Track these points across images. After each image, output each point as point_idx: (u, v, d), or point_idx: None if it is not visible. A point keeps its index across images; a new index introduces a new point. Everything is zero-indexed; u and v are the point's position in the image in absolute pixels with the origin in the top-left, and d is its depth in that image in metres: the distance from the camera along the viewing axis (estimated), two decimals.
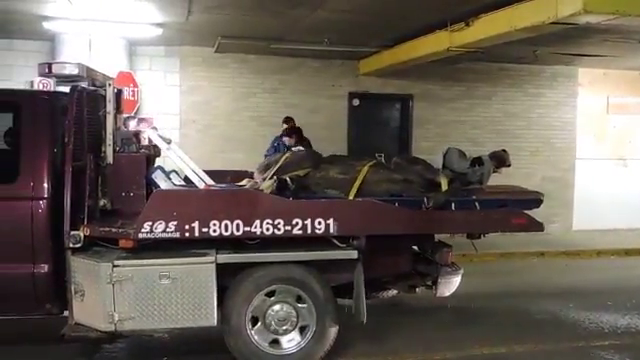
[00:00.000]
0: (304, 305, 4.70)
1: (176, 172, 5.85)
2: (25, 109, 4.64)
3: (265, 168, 5.68)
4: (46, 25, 8.02)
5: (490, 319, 6.33)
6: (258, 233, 4.49)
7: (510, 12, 6.40)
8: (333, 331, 4.75)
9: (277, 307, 4.66)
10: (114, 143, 4.98)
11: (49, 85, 8.28)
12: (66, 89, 4.86)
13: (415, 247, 5.43)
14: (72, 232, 4.40)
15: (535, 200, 5.43)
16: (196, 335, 4.69)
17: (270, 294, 4.66)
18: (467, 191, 5.41)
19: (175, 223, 4.34)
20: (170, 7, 7.37)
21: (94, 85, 5.14)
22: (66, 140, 4.52)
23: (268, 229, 4.48)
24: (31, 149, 4.56)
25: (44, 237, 4.47)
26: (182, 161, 5.70)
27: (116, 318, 4.32)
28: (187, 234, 4.37)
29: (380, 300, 5.64)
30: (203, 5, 7.23)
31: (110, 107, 4.97)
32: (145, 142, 5.79)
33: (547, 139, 11.66)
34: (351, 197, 5.06)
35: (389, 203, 4.91)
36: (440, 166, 5.65)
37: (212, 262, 4.43)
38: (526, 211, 5.17)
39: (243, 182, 5.90)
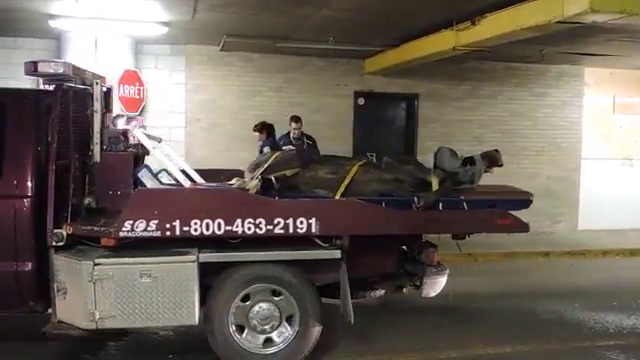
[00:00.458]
0: (281, 297, 4.67)
1: (166, 171, 5.78)
2: (10, 108, 4.60)
3: (254, 167, 5.64)
4: (52, 23, 8.03)
5: (495, 319, 6.32)
6: (240, 232, 4.48)
7: (516, 11, 6.38)
8: (317, 330, 4.70)
9: (257, 308, 4.64)
10: (101, 142, 4.94)
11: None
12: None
13: (404, 247, 5.38)
14: (55, 230, 4.39)
15: (525, 200, 5.39)
16: (202, 333, 4.69)
17: (245, 298, 4.63)
18: (457, 191, 5.36)
19: (156, 222, 4.34)
20: (176, 6, 7.39)
21: (83, 84, 5.07)
22: (49, 139, 4.50)
23: (250, 228, 4.47)
24: (15, 147, 4.53)
25: (27, 235, 4.45)
26: (169, 160, 5.65)
27: (97, 316, 4.32)
28: (168, 233, 4.37)
29: (384, 299, 5.62)
30: (209, 4, 7.23)
31: (97, 106, 4.94)
32: (134, 141, 5.74)
33: (553, 139, 11.63)
34: (338, 197, 5.02)
35: (375, 203, 4.87)
36: (431, 166, 5.59)
37: (193, 261, 4.42)
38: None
39: (232, 181, 5.87)
